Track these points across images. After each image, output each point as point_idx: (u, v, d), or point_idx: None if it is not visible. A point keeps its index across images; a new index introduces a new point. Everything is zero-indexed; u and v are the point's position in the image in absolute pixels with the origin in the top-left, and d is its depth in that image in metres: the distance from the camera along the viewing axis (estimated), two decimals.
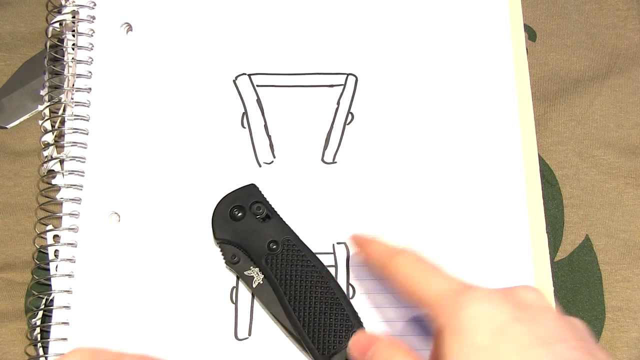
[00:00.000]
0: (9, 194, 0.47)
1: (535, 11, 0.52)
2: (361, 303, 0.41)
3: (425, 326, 0.41)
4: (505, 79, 0.46)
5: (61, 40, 0.48)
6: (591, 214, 0.46)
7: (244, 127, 0.45)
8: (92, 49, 0.47)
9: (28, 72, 0.50)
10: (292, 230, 0.42)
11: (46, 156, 0.45)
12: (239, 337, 0.41)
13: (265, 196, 0.42)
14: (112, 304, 0.42)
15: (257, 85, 0.46)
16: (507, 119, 0.45)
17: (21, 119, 0.49)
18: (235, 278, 0.42)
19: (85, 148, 0.45)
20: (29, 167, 0.48)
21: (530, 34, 0.51)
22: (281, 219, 0.42)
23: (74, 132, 0.45)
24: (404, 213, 0.43)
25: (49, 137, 0.46)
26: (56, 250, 0.43)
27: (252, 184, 0.43)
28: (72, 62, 0.47)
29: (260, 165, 0.44)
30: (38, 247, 0.44)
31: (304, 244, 0.41)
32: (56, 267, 0.43)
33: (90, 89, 0.46)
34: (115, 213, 0.43)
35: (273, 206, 0.42)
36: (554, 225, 0.46)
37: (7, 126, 0.49)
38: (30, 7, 0.52)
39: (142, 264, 0.42)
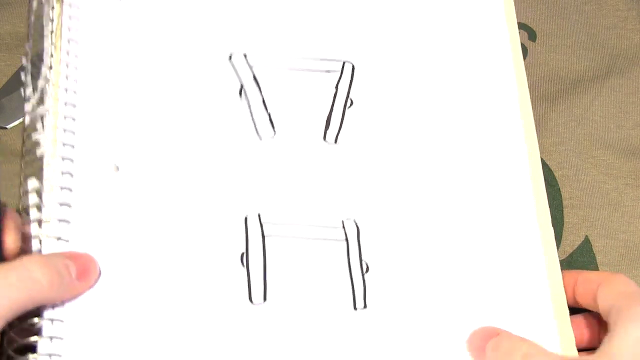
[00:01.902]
0: (9, 195, 0.47)
1: (535, 11, 0.52)
2: (376, 280, 0.40)
3: (442, 304, 0.40)
4: (504, 66, 0.45)
5: None
6: (591, 215, 0.46)
7: (242, 99, 0.44)
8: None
9: None
10: None
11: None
12: (254, 301, 0.39)
13: None
14: (112, 265, 0.38)
15: (252, 65, 0.45)
16: (507, 105, 0.44)
17: (21, 119, 0.49)
18: (244, 242, 0.40)
19: (75, 107, 0.41)
20: None
21: (530, 34, 0.51)
22: None
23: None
24: (409, 197, 0.42)
25: (29, 92, 0.41)
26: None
27: None
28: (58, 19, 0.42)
29: (261, 138, 0.43)
30: None
31: None
32: None
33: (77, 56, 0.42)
34: (115, 166, 0.41)
35: None
36: (554, 226, 0.46)
37: (7, 126, 0.49)
38: None
39: (143, 223, 0.40)
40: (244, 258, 0.40)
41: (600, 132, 0.49)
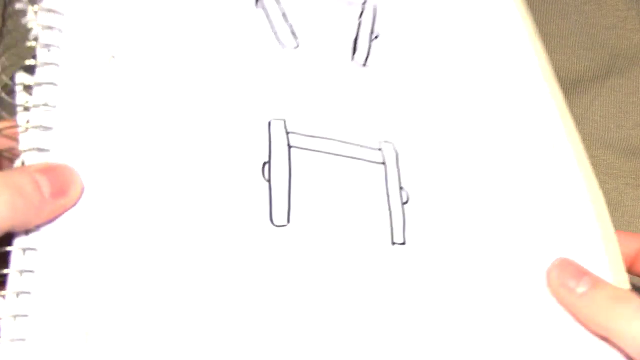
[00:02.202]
0: None
1: (534, 12, 0.52)
2: (416, 213, 0.35)
3: (488, 244, 0.35)
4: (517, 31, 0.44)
5: None
6: None
7: (258, 8, 0.37)
8: None
9: None
10: None
11: None
12: (276, 222, 0.32)
13: None
14: (101, 178, 0.29)
15: None
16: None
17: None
18: (267, 151, 0.33)
19: None
20: None
21: None
22: None
23: None
24: (454, 128, 0.38)
25: None
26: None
27: None
28: None
29: (283, 47, 0.37)
30: None
31: None
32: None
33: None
34: (111, 55, 0.32)
35: None
36: None
37: None
38: None
39: (143, 126, 0.31)
40: (266, 168, 0.33)
41: (600, 132, 0.49)
